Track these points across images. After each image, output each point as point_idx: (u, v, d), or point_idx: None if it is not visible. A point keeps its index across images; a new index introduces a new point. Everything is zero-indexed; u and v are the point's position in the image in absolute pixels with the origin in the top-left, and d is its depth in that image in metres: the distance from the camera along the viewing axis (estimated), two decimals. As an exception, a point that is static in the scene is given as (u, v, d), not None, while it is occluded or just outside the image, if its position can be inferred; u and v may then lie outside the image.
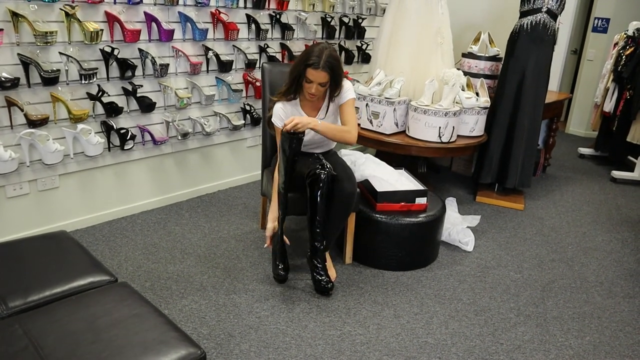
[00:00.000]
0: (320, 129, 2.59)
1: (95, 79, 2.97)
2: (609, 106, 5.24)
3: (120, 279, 2.70)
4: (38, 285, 1.71)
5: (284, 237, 2.70)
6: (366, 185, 3.05)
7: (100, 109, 3.09)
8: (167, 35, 3.22)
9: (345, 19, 4.50)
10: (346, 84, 2.74)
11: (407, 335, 2.42)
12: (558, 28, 3.86)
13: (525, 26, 3.76)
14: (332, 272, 2.81)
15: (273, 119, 2.70)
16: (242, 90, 3.79)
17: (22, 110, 2.74)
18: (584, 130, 6.77)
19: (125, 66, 3.09)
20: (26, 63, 2.70)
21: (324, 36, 4.33)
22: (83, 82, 2.92)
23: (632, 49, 4.98)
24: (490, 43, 4.34)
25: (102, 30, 2.91)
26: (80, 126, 2.97)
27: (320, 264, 2.67)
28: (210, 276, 2.79)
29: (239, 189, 4.04)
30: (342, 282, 2.82)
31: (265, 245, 2.71)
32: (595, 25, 6.43)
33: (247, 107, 3.90)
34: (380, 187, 2.97)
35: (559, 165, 5.31)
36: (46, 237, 2.04)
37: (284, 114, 2.69)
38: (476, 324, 2.55)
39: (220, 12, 3.51)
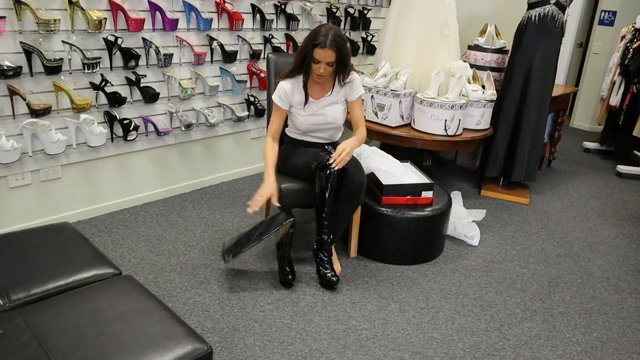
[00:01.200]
0: (356, 145, 2.71)
1: (98, 69, 2.93)
2: (615, 100, 5.19)
3: (123, 271, 2.68)
4: (41, 278, 1.69)
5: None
6: (372, 178, 3.01)
7: (103, 99, 3.05)
8: (171, 25, 3.18)
9: (351, 10, 4.44)
10: (357, 77, 2.74)
11: (413, 330, 2.40)
12: (566, 20, 3.82)
13: (533, 18, 3.71)
14: (337, 266, 2.78)
15: (273, 97, 2.70)
16: (246, 81, 3.74)
17: (24, 100, 2.70)
18: (588, 124, 6.72)
19: (129, 56, 3.05)
20: (29, 51, 2.66)
21: (329, 27, 4.28)
22: (86, 71, 2.88)
23: (640, 42, 4.93)
24: (496, 35, 4.29)
25: (105, 18, 2.87)
26: (83, 116, 2.94)
27: (326, 258, 2.65)
28: (214, 269, 2.77)
29: (243, 181, 4.01)
30: (347, 276, 2.80)
31: (250, 210, 2.51)
32: (601, 18, 6.37)
33: (252, 99, 3.86)
34: (386, 180, 2.94)
35: (564, 159, 5.28)
36: (49, 228, 2.01)
37: (285, 94, 2.67)
38: (482, 319, 2.52)
39: (225, 2, 3.46)
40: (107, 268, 1.81)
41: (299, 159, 2.70)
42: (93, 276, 1.75)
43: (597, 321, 2.58)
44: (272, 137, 2.73)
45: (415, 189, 2.93)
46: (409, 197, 2.92)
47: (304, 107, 2.70)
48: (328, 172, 2.50)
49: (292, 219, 2.55)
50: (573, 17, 4.77)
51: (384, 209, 2.87)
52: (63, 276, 1.71)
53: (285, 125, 2.89)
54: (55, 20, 2.67)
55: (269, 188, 2.58)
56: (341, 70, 2.62)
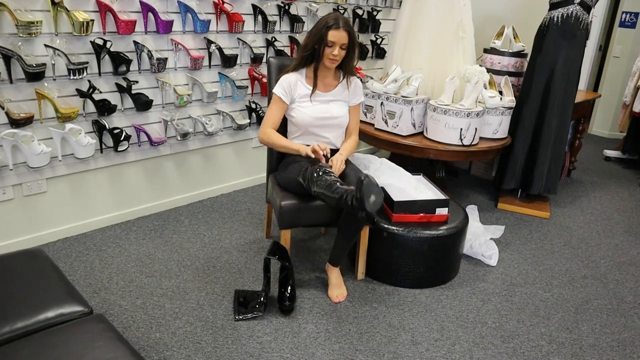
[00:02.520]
0: (346, 157, 2.63)
1: (85, 74, 2.71)
2: (639, 106, 4.91)
3: (108, 295, 2.47)
4: (-4, 320, 1.46)
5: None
6: (381, 193, 2.77)
7: (91, 107, 2.83)
8: (165, 27, 2.96)
9: (359, 11, 4.20)
10: (360, 83, 2.74)
11: (427, 366, 2.15)
12: (591, 21, 3.55)
13: (555, 19, 3.45)
14: (342, 290, 2.55)
15: (274, 90, 2.59)
16: (247, 86, 3.51)
17: (3, 109, 2.49)
18: (607, 130, 6.44)
19: (119, 60, 2.84)
20: (7, 56, 2.45)
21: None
22: (72, 77, 2.66)
23: (666, 45, 4.65)
24: (514, 38, 4.04)
25: (92, 20, 2.65)
26: (69, 126, 2.72)
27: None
28: (209, 293, 2.53)
29: (243, 192, 3.78)
30: (354, 301, 2.55)
31: (322, 154, 2.43)
32: (622, 19, 6.09)
33: (253, 105, 3.64)
34: (397, 195, 2.69)
35: (584, 169, 5.00)
36: (17, 255, 1.78)
37: (288, 86, 2.59)
38: (504, 352, 2.27)
39: (224, 2, 3.24)
40: (75, 306, 1.57)
41: (295, 172, 2.48)
42: (58, 316, 1.51)
43: (632, 355, 2.31)
44: (270, 127, 2.59)
45: (429, 205, 2.68)
46: (422, 214, 2.67)
47: (310, 97, 2.59)
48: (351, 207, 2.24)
49: (276, 256, 2.44)
50: (598, 18, 4.49)
51: (394, 227, 2.63)
52: (23, 317, 1.47)
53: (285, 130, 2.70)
54: (36, 22, 2.45)
55: (305, 146, 2.48)
56: (351, 56, 2.57)
